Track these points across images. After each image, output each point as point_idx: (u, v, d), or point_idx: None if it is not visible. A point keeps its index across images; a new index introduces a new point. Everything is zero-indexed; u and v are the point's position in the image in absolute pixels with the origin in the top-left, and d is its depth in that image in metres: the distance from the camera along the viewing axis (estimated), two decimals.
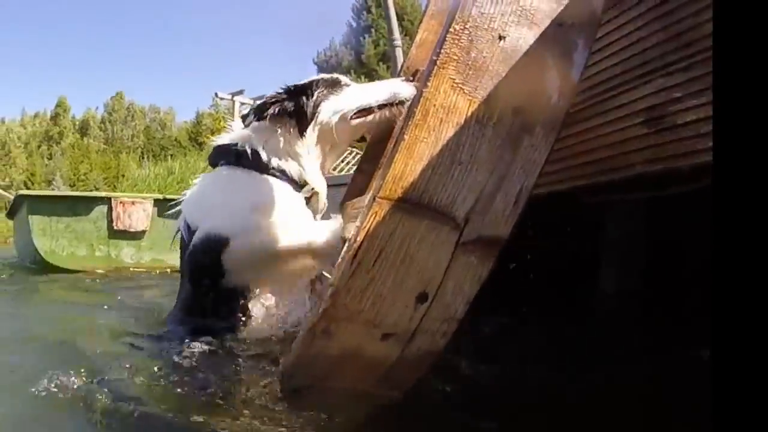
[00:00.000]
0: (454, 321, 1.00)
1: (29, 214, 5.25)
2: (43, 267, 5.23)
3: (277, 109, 1.75)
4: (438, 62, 1.01)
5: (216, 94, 12.89)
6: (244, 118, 1.81)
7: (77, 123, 51.09)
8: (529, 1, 1.06)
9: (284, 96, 1.79)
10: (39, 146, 47.80)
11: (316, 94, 1.80)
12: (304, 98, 1.79)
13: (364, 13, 24.08)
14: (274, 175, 1.77)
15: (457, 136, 0.98)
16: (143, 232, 5.41)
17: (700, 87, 1.11)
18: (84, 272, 5.08)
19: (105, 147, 48.11)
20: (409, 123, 0.99)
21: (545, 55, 1.05)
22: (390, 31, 6.73)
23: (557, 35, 1.06)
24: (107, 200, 5.37)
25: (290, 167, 1.79)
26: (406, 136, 0.98)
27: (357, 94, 1.83)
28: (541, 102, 1.02)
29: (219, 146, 1.91)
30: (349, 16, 25.24)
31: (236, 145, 1.82)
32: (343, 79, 1.89)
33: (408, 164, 0.97)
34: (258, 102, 1.83)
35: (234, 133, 1.89)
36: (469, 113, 0.99)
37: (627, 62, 1.32)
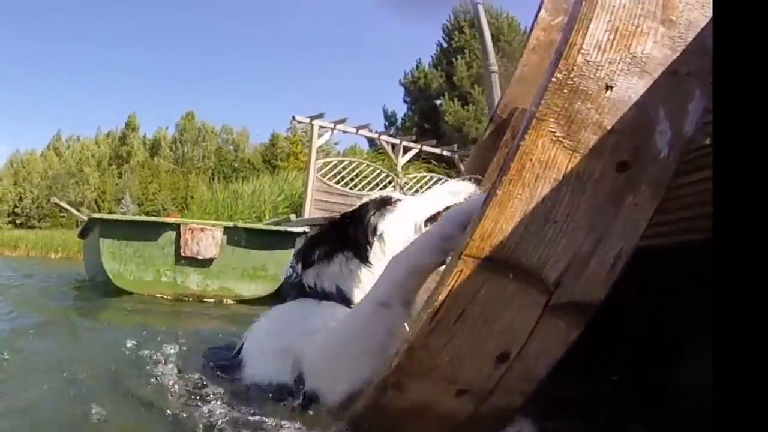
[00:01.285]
0: (535, 381, 1.04)
1: (101, 237, 5.68)
2: (110, 288, 5.62)
3: (323, 251, 1.84)
4: (537, 114, 1.03)
5: (294, 117, 13.39)
6: (292, 267, 1.91)
7: (147, 143, 54.41)
8: (641, 47, 1.06)
9: (327, 232, 1.90)
10: (110, 164, 51.25)
11: (369, 218, 1.86)
12: (352, 227, 1.87)
13: (456, 33, 24.38)
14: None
15: (554, 194, 1.00)
16: (211, 259, 5.71)
17: None
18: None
19: (175, 167, 50.83)
20: (503, 178, 1.02)
21: (657, 106, 1.05)
22: (485, 55, 6.81)
23: (671, 85, 1.06)
24: (176, 226, 5.71)
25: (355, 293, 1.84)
26: (498, 192, 1.01)
27: (420, 205, 1.88)
28: (650, 157, 1.03)
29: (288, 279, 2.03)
30: (440, 37, 25.68)
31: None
32: (393, 195, 1.95)
33: (499, 221, 1.00)
34: (298, 250, 1.94)
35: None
36: (569, 169, 1.01)
37: None
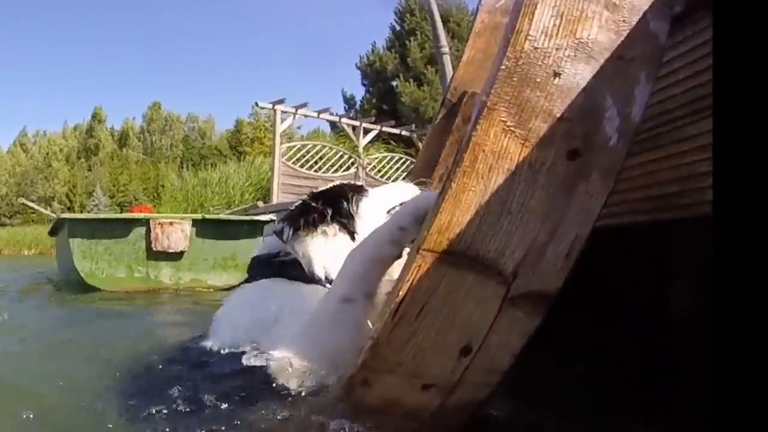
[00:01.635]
0: (499, 373, 1.01)
1: (70, 237, 5.49)
2: (83, 287, 5.46)
3: (315, 216, 1.77)
4: (488, 104, 0.99)
5: (256, 104, 13.18)
6: (278, 233, 1.82)
7: (115, 134, 53.16)
8: (587, 32, 1.02)
9: (319, 202, 1.82)
10: (78, 158, 49.95)
11: (352, 197, 1.83)
12: (344, 202, 1.83)
13: (408, 15, 24.18)
14: (320, 284, 1.75)
15: (508, 184, 0.97)
16: (182, 252, 5.58)
17: None
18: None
19: (144, 157, 49.82)
20: (457, 170, 0.98)
21: (604, 92, 1.02)
22: (436, 38, 6.75)
23: (617, 70, 1.03)
24: (146, 222, 5.56)
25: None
26: (453, 184, 0.97)
27: (387, 195, 1.87)
28: (599, 144, 0.99)
29: (258, 257, 1.91)
30: (392, 20, 25.42)
31: (278, 255, 1.82)
32: (361, 185, 1.95)
33: (455, 214, 0.97)
34: (288, 214, 1.84)
35: (271, 244, 1.89)
36: (521, 159, 0.98)
37: (693, 92, 1.29)
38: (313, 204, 1.79)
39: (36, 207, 10.56)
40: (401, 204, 1.64)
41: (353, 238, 1.75)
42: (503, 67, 1.00)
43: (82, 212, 28.62)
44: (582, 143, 0.99)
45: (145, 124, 52.84)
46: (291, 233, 1.75)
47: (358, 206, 1.81)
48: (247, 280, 1.88)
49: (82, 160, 49.68)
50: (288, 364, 1.39)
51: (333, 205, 1.79)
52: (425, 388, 1.02)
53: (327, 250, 1.75)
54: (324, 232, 1.76)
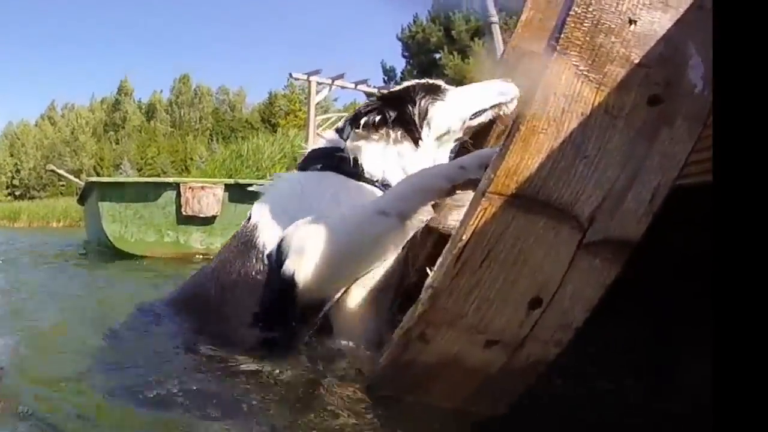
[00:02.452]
0: (571, 329, 0.99)
1: (99, 200, 5.64)
2: (112, 251, 5.60)
3: (376, 118, 1.74)
4: (558, 48, 0.98)
5: (290, 75, 13.21)
6: (339, 131, 1.81)
7: (143, 107, 54.03)
8: None
9: (382, 104, 1.78)
10: (105, 131, 50.99)
11: (419, 101, 1.79)
12: (409, 106, 1.79)
13: None
14: (375, 186, 1.75)
15: (582, 128, 0.96)
16: (213, 217, 5.66)
17: None
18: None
19: (172, 130, 50.54)
20: (527, 113, 0.98)
21: (686, 39, 1.00)
22: (485, 7, 6.65)
23: (698, 19, 1.01)
24: (176, 186, 5.66)
25: (395, 176, 1.76)
26: (522, 127, 0.96)
27: (469, 98, 1.83)
28: (684, 92, 0.98)
29: (315, 150, 1.91)
30: None
31: (339, 150, 1.79)
32: (441, 83, 1.89)
33: (524, 157, 0.96)
34: (352, 113, 1.82)
35: (331, 140, 1.87)
36: (596, 103, 0.97)
37: None
38: (378, 105, 1.77)
39: (65, 174, 10.80)
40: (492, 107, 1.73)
41: (417, 145, 1.76)
42: (572, 12, 0.99)
43: None
44: (664, 90, 0.98)
45: (173, 96, 53.52)
46: (351, 132, 1.75)
47: (428, 111, 1.79)
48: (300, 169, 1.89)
49: (111, 133, 50.69)
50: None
51: (397, 109, 1.77)
52: (489, 344, 1.01)
53: (385, 154, 1.77)
54: (384, 135, 1.77)
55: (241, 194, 5.77)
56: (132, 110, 52.83)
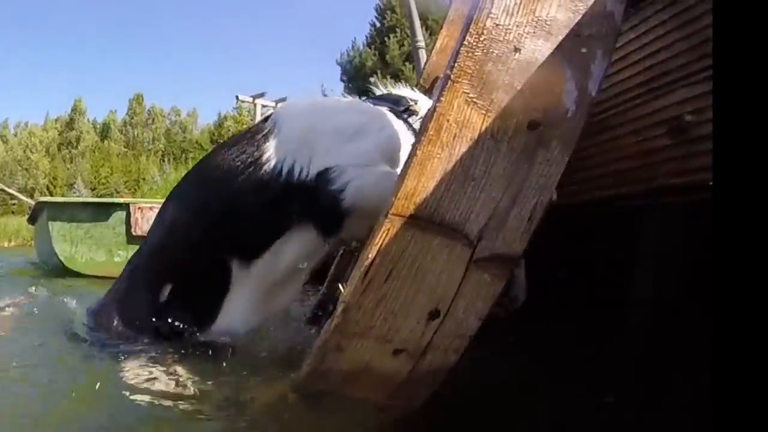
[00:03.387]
0: (466, 337, 1.01)
1: (49, 220, 5.40)
2: (63, 271, 5.37)
3: None
4: (452, 76, 1.01)
5: (237, 97, 13.03)
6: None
7: (97, 126, 52.26)
8: (546, 11, 1.05)
9: None
10: (59, 150, 49.04)
11: None
12: None
13: (388, 12, 24.07)
14: None
15: (471, 152, 0.98)
16: None
17: None
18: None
19: (126, 150, 49.05)
20: (422, 138, 1.00)
21: (562, 67, 1.04)
22: (413, 33, 6.72)
23: (575, 46, 1.05)
24: (126, 206, 5.48)
25: None
26: (418, 152, 0.99)
27: None
28: (558, 115, 1.02)
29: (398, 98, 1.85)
30: (373, 16, 25.30)
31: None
32: None
33: (420, 180, 0.98)
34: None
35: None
36: (483, 128, 1.00)
37: (649, 71, 1.31)
38: None
39: (14, 193, 10.24)
40: None
41: None
42: (466, 42, 1.02)
43: None
44: (542, 114, 1.01)
45: (127, 117, 52.00)
46: None
47: None
48: None
49: (65, 152, 48.78)
50: None
51: None
52: (396, 353, 1.03)
53: None
54: None
55: None
56: (86, 129, 50.97)
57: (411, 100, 1.78)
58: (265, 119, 1.73)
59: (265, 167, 1.59)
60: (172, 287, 1.63)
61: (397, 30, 23.27)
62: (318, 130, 1.61)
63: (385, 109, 1.71)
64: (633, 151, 1.27)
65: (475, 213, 0.96)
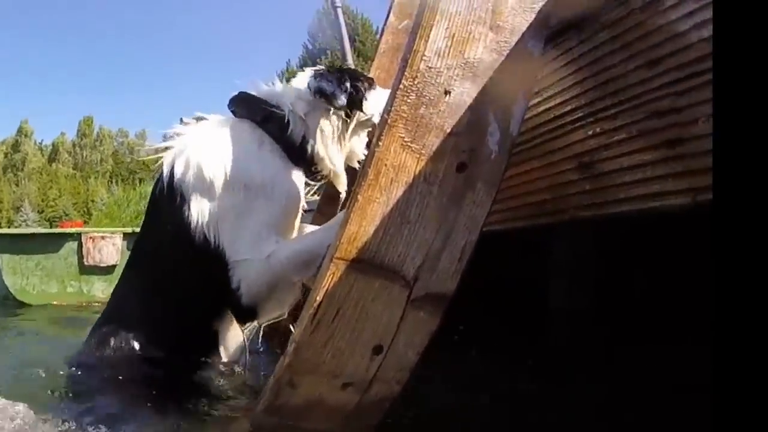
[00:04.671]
0: (407, 370, 1.01)
1: None
2: (15, 303, 5.05)
3: (333, 89, 1.49)
4: (389, 121, 1.00)
5: (182, 119, 12.64)
6: (322, 92, 1.50)
7: (45, 149, 49.68)
8: (473, 52, 1.05)
9: (343, 74, 1.54)
10: (5, 173, 46.28)
11: (362, 84, 1.58)
12: (359, 84, 1.56)
13: (320, 34, 24.00)
14: (291, 156, 1.51)
15: (407, 196, 0.98)
16: (114, 266, 5.21)
17: (625, 135, 1.10)
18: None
19: (74, 172, 46.80)
20: (363, 183, 0.99)
21: (487, 108, 1.05)
22: (343, 56, 6.72)
23: (499, 87, 1.05)
24: (77, 236, 5.20)
25: (329, 155, 1.53)
26: (359, 197, 0.98)
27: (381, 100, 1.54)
28: (483, 157, 1.02)
29: (246, 96, 1.58)
30: (306, 39, 25.19)
31: (270, 104, 1.51)
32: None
33: (361, 225, 0.98)
34: (317, 70, 1.57)
35: (275, 89, 1.58)
36: (417, 171, 0.99)
37: (561, 107, 1.31)
38: (343, 76, 1.57)
39: None
40: None
41: (346, 128, 1.58)
42: (401, 86, 1.01)
43: (9, 227, 26.41)
44: (468, 156, 1.01)
45: (77, 138, 49.63)
46: (311, 97, 1.53)
47: (364, 95, 1.58)
48: None
49: (10, 174, 46.02)
50: None
51: (354, 85, 1.58)
52: (344, 386, 1.02)
53: (322, 125, 1.55)
54: (329, 107, 1.55)
55: None
56: (32, 152, 48.30)
57: (270, 104, 1.53)
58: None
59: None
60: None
61: (328, 51, 23.16)
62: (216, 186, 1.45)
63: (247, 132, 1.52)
64: (545, 184, 1.28)
65: (411, 255, 0.96)
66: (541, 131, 1.36)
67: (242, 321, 1.53)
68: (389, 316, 0.97)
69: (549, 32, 1.17)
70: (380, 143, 1.00)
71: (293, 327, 1.10)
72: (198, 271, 1.46)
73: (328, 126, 1.52)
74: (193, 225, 1.43)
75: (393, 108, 1.00)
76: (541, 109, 1.40)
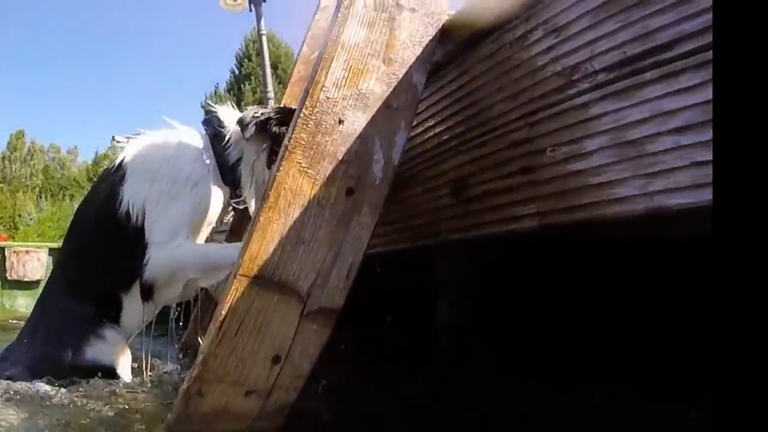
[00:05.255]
0: (303, 378, 1.01)
1: None
2: None
3: (269, 127, 1.51)
4: (289, 147, 0.99)
5: (113, 137, 11.80)
6: (241, 123, 1.51)
7: None
8: (366, 84, 1.05)
9: (279, 117, 1.54)
10: None
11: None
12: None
13: (246, 60, 23.33)
14: (222, 172, 1.57)
15: (302, 218, 0.97)
16: (38, 281, 4.72)
17: (490, 163, 1.12)
18: None
19: (2, 186, 42.40)
20: (264, 205, 0.97)
21: (374, 137, 1.05)
22: (264, 83, 6.56)
23: (385, 117, 1.06)
24: (1, 250, 4.71)
25: (248, 182, 1.57)
26: (261, 218, 0.97)
27: None
28: (369, 183, 1.03)
29: (212, 114, 1.67)
30: (233, 64, 24.39)
31: (222, 125, 1.57)
32: None
33: (262, 244, 0.96)
34: (266, 112, 1.56)
35: (232, 118, 1.59)
36: (312, 195, 0.99)
37: (439, 135, 1.31)
38: (278, 119, 1.55)
39: None
40: None
41: (269, 166, 1.57)
42: (302, 114, 1.00)
43: None
44: (356, 182, 1.02)
45: (8, 152, 44.96)
46: (253, 128, 1.51)
47: None
48: None
49: None
50: None
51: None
52: (248, 394, 0.99)
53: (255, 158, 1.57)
54: (262, 144, 1.57)
55: None
56: None
57: (219, 122, 1.61)
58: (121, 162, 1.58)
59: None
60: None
61: (252, 78, 22.62)
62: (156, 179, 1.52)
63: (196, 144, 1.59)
64: (425, 208, 1.29)
65: (305, 273, 0.96)
66: (422, 158, 1.36)
67: (143, 296, 1.52)
68: (286, 328, 0.96)
69: (432, 66, 1.17)
70: (281, 168, 0.98)
71: (201, 339, 1.05)
72: (114, 241, 1.51)
73: (254, 155, 1.56)
74: (122, 200, 1.49)
75: (293, 135, 0.99)
76: (424, 137, 1.38)
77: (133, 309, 1.52)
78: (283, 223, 0.97)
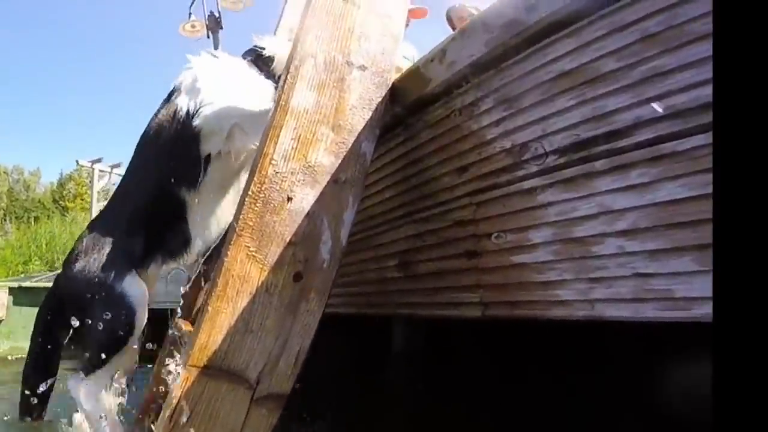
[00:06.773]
0: None
1: None
2: None
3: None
4: (237, 229, 0.97)
5: (77, 161, 11.51)
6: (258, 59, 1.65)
7: None
8: (315, 155, 1.01)
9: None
10: None
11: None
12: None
13: None
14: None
15: (250, 306, 0.98)
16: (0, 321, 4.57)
17: (436, 240, 1.12)
18: None
19: None
20: (213, 293, 0.97)
21: (322, 216, 1.02)
22: None
23: (333, 193, 1.03)
24: None
25: None
26: (209, 308, 0.97)
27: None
28: (317, 266, 1.02)
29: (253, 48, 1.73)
30: None
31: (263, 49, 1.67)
32: None
33: (211, 334, 0.97)
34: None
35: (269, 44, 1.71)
36: (260, 282, 0.98)
37: (385, 203, 1.31)
38: None
39: None
40: None
41: None
42: (250, 192, 0.97)
43: None
44: (304, 266, 1.01)
45: None
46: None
47: None
48: None
49: None
50: None
51: None
52: None
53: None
54: None
55: (26, 297, 4.69)
56: None
57: (259, 47, 1.74)
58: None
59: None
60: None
61: None
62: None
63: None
64: (374, 277, 1.31)
65: (254, 361, 0.98)
66: (372, 223, 1.35)
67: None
68: (236, 414, 0.98)
69: (381, 129, 1.11)
70: (228, 253, 0.97)
71: (154, 426, 1.07)
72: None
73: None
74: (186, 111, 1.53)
75: (241, 216, 0.97)
76: (373, 201, 1.35)
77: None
78: (231, 312, 0.97)
